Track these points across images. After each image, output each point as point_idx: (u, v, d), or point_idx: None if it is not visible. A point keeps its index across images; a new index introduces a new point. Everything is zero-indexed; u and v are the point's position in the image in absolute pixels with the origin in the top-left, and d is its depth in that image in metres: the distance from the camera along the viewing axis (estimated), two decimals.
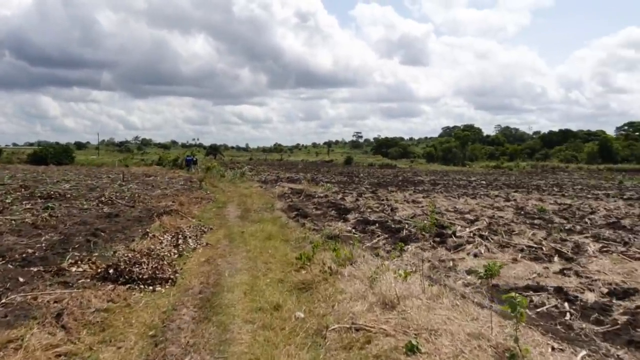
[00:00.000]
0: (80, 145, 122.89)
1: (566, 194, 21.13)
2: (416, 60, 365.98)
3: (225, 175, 28.47)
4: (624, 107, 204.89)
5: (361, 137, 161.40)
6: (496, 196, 19.54)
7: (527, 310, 4.73)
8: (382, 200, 16.63)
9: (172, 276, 6.49)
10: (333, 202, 15.44)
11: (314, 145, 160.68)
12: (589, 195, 20.62)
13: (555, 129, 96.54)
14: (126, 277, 6.15)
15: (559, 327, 4.29)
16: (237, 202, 16.34)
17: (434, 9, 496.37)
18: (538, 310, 4.70)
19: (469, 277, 6.20)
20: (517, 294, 3.53)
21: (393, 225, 10.54)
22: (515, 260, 6.89)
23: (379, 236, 9.53)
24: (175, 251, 8.02)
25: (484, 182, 30.24)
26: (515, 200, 17.93)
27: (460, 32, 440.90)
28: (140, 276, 6.20)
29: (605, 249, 8.13)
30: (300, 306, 5.34)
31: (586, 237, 9.41)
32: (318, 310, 5.13)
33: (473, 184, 27.50)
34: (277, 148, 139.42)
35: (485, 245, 7.93)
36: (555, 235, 9.57)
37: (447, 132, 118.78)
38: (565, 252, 7.74)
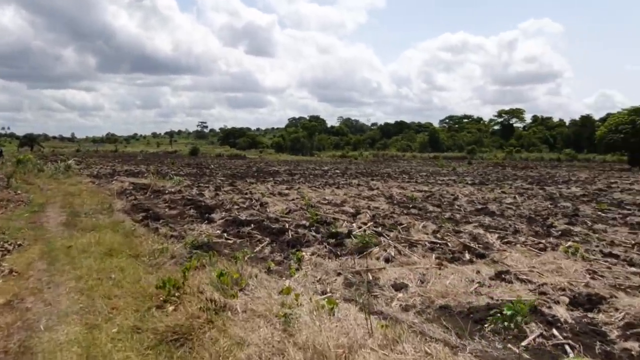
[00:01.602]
0: None
1: (418, 181, 21.99)
2: (261, 51, 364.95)
3: (44, 169, 23.21)
4: (444, 103, 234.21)
5: (206, 127, 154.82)
6: (359, 185, 19.25)
7: (515, 348, 3.45)
8: (246, 194, 14.73)
9: None
10: (190, 198, 12.98)
11: (155, 135, 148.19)
12: (439, 182, 21.74)
13: (391, 120, 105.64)
14: None
15: None
16: (61, 203, 12.72)
17: (277, 0, 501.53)
18: (524, 343, 3.46)
19: (399, 294, 4.78)
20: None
21: (272, 226, 8.77)
22: (440, 265, 5.73)
23: (259, 241, 7.68)
24: None
25: (337, 171, 30.48)
26: (378, 188, 17.73)
27: (304, 25, 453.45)
28: None
29: (505, 241, 7.65)
30: None
31: (475, 227, 8.99)
32: None
33: (329, 174, 27.36)
34: (111, 138, 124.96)
35: (395, 247, 6.68)
36: (445, 226, 8.95)
37: (294, 122, 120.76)
38: (474, 247, 6.95)
